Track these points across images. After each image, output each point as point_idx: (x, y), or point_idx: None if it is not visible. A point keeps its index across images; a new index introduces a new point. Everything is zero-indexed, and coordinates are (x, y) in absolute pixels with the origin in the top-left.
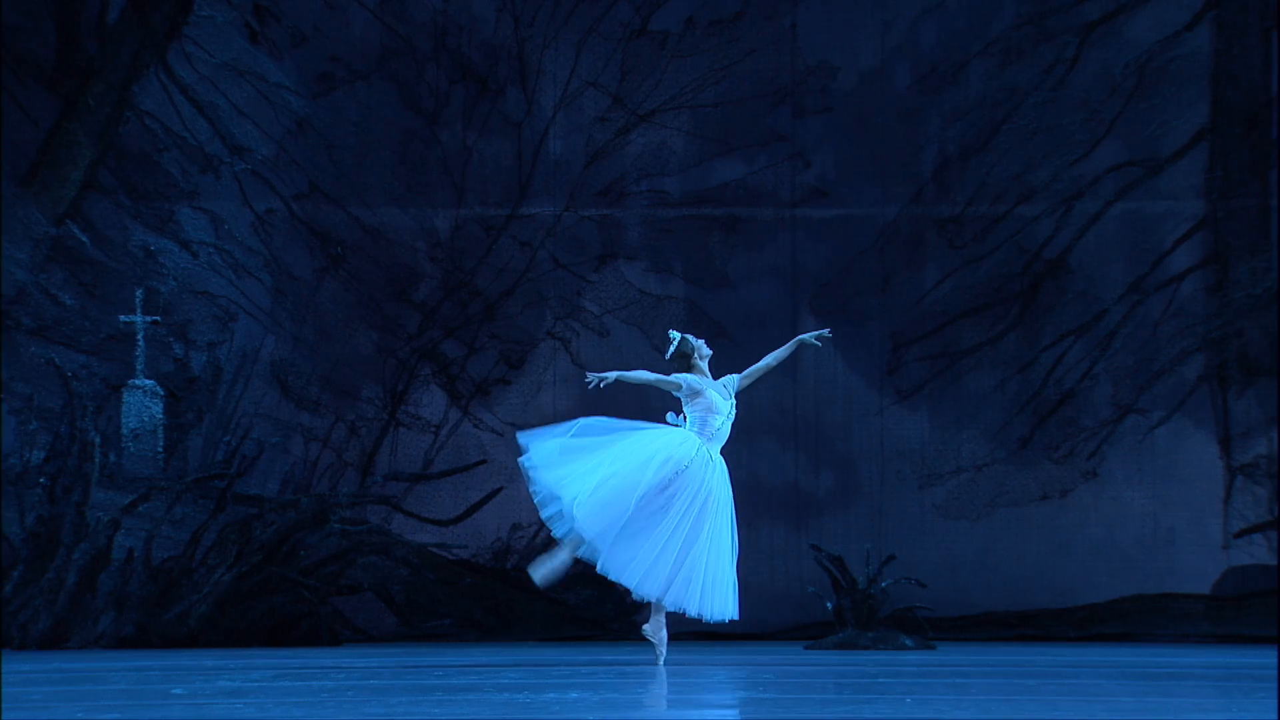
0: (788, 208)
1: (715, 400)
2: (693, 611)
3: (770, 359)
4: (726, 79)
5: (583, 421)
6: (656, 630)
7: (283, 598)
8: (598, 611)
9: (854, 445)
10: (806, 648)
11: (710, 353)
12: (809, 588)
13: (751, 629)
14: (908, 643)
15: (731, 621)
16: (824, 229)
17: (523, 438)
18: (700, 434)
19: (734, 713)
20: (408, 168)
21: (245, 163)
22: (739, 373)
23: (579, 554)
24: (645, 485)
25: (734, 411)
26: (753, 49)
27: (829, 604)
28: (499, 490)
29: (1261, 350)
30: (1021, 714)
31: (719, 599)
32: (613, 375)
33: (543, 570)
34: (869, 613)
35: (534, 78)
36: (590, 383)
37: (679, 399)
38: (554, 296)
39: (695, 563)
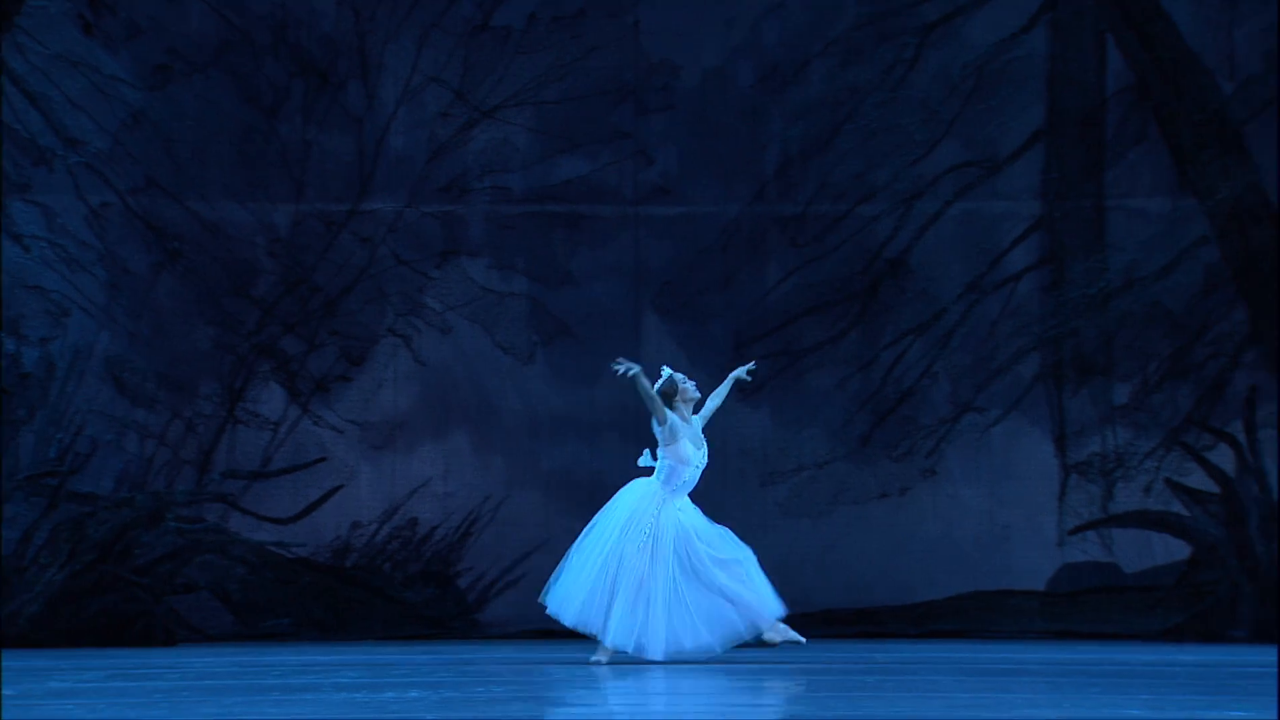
0: (630, 205)
1: (688, 451)
2: (660, 655)
3: (716, 400)
4: (569, 75)
5: (573, 551)
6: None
7: (117, 597)
8: (438, 610)
9: None
10: None
11: (697, 395)
12: None
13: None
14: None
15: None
16: (667, 227)
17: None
18: (665, 484)
19: (566, 711)
20: (246, 162)
21: (79, 155)
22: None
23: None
24: (619, 556)
25: (705, 459)
26: (595, 46)
27: None
28: (338, 488)
29: (1095, 349)
30: (860, 711)
31: (683, 636)
32: (636, 369)
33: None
34: None
35: (375, 72)
36: (619, 369)
37: (656, 434)
38: (395, 293)
39: (653, 607)
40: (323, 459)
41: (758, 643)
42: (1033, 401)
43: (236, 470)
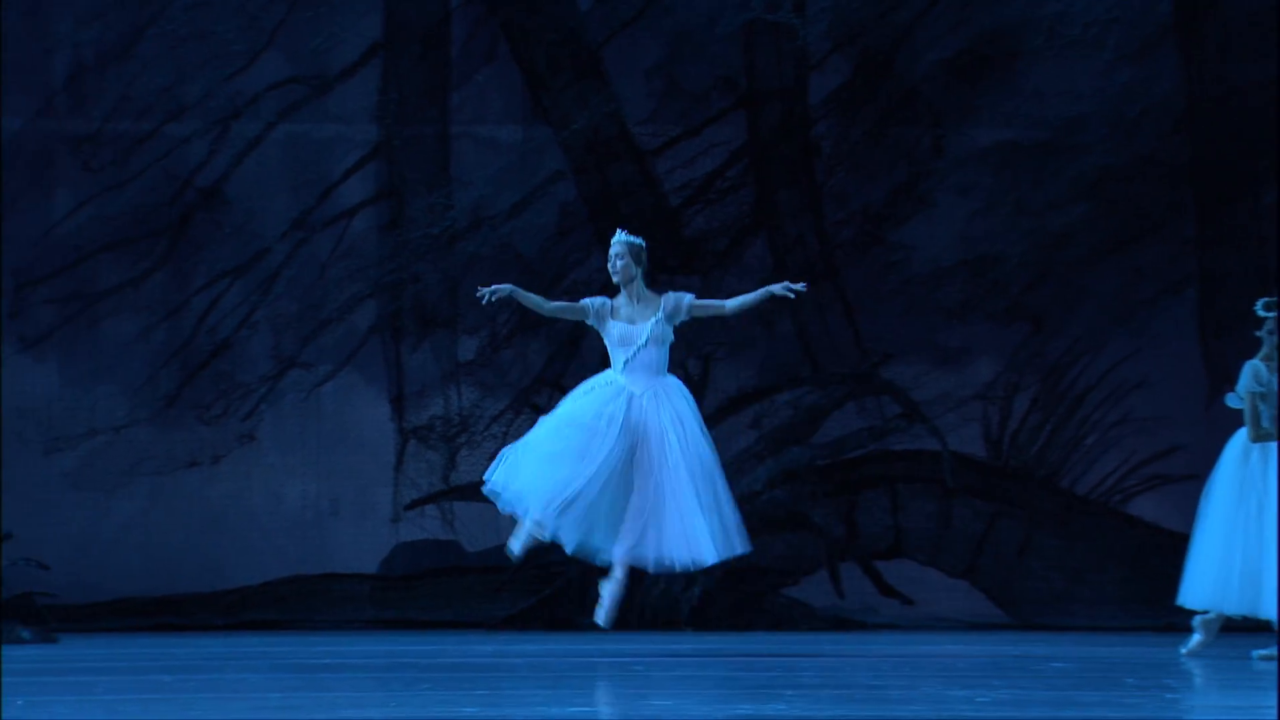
0: None
1: (616, 331)
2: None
3: (722, 305)
4: None
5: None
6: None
7: None
8: None
9: None
10: None
11: (616, 276)
12: None
13: None
14: (25, 635)
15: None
16: None
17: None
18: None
19: None
20: None
21: None
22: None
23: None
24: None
25: (654, 336)
26: None
27: None
28: None
29: (439, 298)
30: (152, 714)
31: (680, 543)
32: (507, 289)
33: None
34: None
35: None
36: (483, 296)
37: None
38: None
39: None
40: None
41: None
42: (368, 357)
43: None
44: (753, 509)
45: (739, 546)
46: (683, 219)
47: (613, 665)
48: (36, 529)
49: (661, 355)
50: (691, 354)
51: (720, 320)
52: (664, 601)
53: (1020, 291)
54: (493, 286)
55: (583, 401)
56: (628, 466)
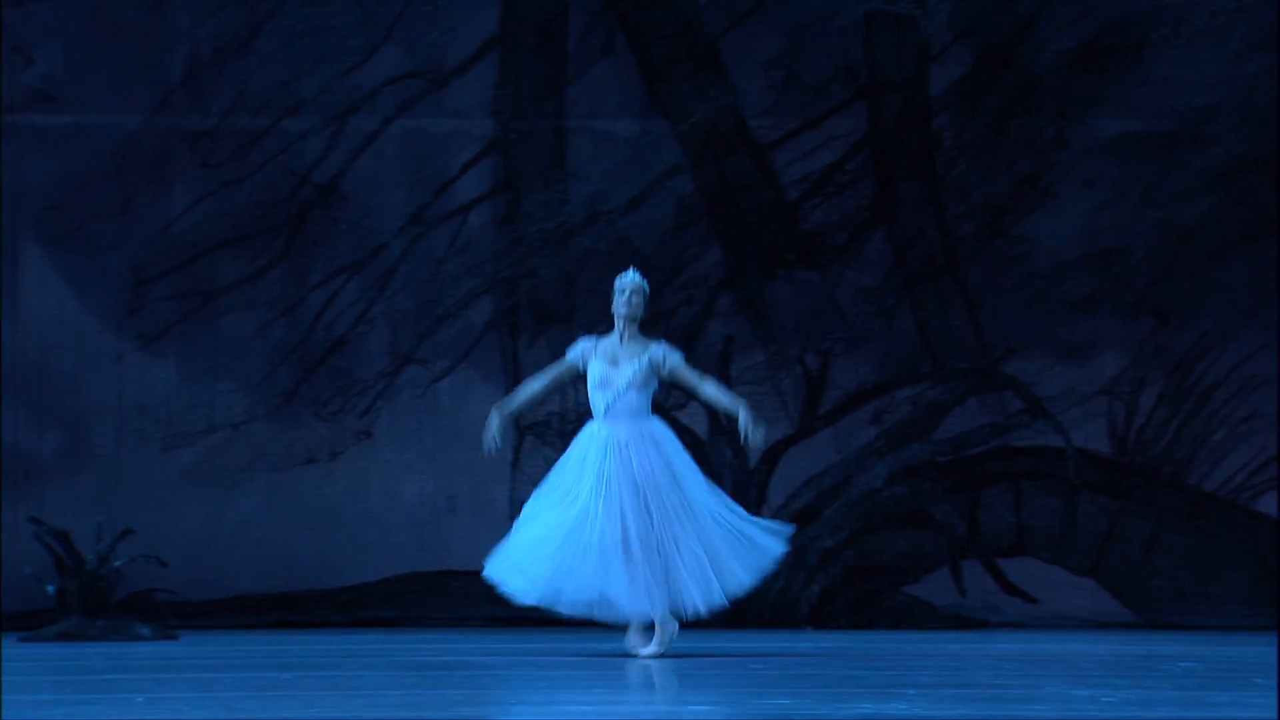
0: (5, 113)
1: (597, 374)
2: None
3: (695, 389)
4: None
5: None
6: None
7: None
8: None
9: (85, 399)
10: (22, 639)
11: (623, 310)
12: (24, 569)
13: None
14: (144, 632)
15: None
16: (50, 140)
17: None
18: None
19: None
20: None
21: None
22: (680, 355)
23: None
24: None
25: (634, 381)
26: None
27: (50, 588)
28: None
29: (555, 293)
30: (272, 712)
31: (700, 584)
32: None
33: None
34: (99, 597)
35: None
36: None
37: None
38: None
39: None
40: None
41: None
42: (484, 352)
43: None
44: (873, 505)
45: (774, 550)
46: (801, 213)
47: (732, 663)
48: (156, 526)
49: (644, 400)
50: (810, 349)
51: (839, 317)
52: (783, 599)
53: (1146, 285)
54: (491, 435)
55: (565, 477)
56: (612, 515)
